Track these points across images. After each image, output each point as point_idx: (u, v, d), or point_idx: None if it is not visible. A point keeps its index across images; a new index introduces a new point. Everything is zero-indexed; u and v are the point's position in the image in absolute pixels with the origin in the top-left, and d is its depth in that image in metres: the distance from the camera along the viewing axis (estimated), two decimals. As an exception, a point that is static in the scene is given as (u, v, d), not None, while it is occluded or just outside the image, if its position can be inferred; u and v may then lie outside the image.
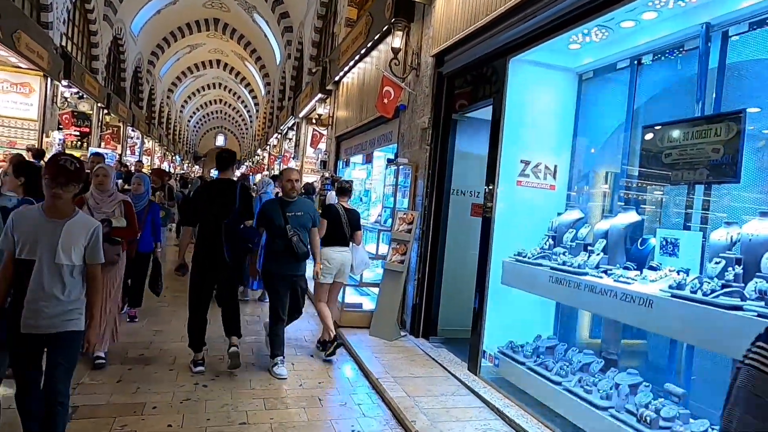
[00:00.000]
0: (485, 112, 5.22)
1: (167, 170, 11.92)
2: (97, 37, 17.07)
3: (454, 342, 5.23)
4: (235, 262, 4.32)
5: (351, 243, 5.13)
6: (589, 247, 3.66)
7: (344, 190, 5.31)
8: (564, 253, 3.72)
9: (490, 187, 4.44)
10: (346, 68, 9.23)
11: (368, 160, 8.33)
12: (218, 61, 34.70)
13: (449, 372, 4.51)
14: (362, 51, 8.16)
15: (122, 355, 4.47)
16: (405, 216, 5.54)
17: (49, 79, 12.54)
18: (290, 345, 5.22)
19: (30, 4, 12.11)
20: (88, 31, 16.72)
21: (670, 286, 2.74)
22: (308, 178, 14.25)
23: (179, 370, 4.25)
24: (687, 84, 3.59)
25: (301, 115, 14.59)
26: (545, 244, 4.15)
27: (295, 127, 15.92)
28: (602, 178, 4.49)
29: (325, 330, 4.93)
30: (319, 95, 11.13)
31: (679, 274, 2.83)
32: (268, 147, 24.43)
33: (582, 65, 4.48)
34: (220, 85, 42.03)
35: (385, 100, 5.93)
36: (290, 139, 16.60)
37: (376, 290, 5.82)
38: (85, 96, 16.02)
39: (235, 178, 4.77)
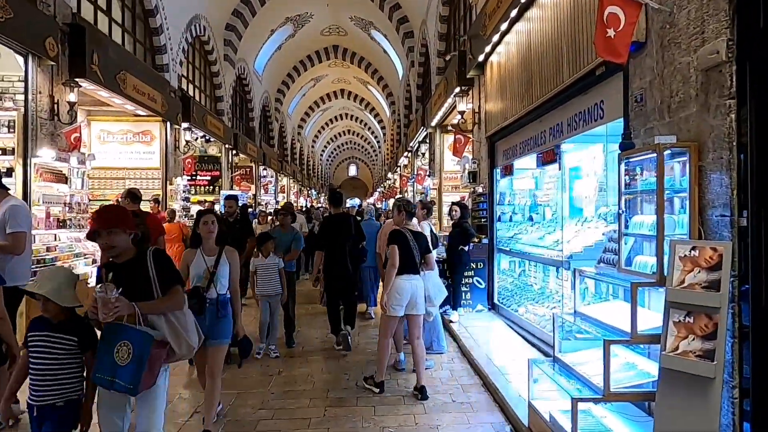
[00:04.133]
0: None
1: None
2: (219, 78, 16.69)
3: None
4: (354, 272, 6.24)
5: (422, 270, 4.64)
6: None
7: (411, 214, 4.77)
8: None
9: None
10: (496, 36, 6.54)
11: (548, 159, 5.49)
12: (342, 91, 34.45)
13: None
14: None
15: None
16: (697, 254, 2.60)
17: (168, 124, 11.84)
18: None
19: (143, 48, 11.55)
20: (210, 72, 16.38)
21: None
22: (451, 197, 11.75)
23: None
24: None
25: (433, 123, 12.21)
26: None
27: (427, 140, 13.57)
28: None
29: (378, 370, 4.56)
30: (458, 89, 8.58)
31: None
32: (398, 168, 22.57)
33: None
34: (346, 115, 42.16)
35: (610, 31, 3.11)
36: (423, 154, 14.28)
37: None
38: (212, 139, 15.53)
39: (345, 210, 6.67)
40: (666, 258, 2.81)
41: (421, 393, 4.35)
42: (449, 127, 12.30)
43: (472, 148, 8.54)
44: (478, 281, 7.48)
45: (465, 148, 8.53)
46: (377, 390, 4.49)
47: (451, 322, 6.75)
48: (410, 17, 17.05)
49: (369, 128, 42.91)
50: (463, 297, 7.30)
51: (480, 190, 7.74)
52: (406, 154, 18.33)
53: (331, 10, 20.62)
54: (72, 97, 7.66)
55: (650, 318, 2.96)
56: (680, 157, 2.93)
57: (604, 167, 5.56)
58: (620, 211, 3.25)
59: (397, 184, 23.27)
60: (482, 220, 7.63)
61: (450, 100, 9.81)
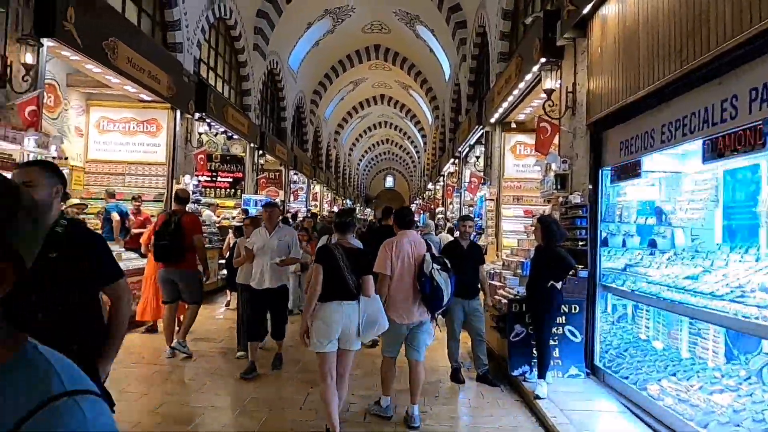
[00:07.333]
0: None
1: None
2: (247, 69, 14.95)
3: None
4: None
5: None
6: None
7: (344, 225, 3.86)
8: None
9: None
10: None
11: (735, 146, 3.19)
12: (382, 96, 32.57)
13: None
14: None
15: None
16: None
17: (178, 112, 10.04)
18: None
19: (151, 20, 9.81)
20: (236, 61, 14.65)
21: None
22: (513, 210, 9.48)
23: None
24: None
25: (493, 119, 9.94)
26: None
27: (483, 140, 11.30)
28: None
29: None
30: (541, 62, 6.32)
31: None
32: (441, 178, 20.32)
33: None
34: (386, 123, 40.26)
35: None
36: (477, 158, 11.98)
37: None
38: (235, 136, 13.76)
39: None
40: None
41: None
42: (513, 124, 10.05)
43: (560, 143, 6.24)
44: (571, 332, 5.14)
45: (551, 141, 6.23)
46: None
47: (537, 398, 4.43)
48: (463, 4, 14.94)
49: (408, 137, 40.85)
50: (552, 354, 4.98)
51: (577, 200, 5.41)
52: (452, 160, 16.08)
53: (374, 1, 18.75)
54: (29, 58, 5.81)
55: None
56: None
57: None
58: None
59: (440, 195, 21.01)
60: (579, 243, 5.30)
61: (522, 85, 7.58)
